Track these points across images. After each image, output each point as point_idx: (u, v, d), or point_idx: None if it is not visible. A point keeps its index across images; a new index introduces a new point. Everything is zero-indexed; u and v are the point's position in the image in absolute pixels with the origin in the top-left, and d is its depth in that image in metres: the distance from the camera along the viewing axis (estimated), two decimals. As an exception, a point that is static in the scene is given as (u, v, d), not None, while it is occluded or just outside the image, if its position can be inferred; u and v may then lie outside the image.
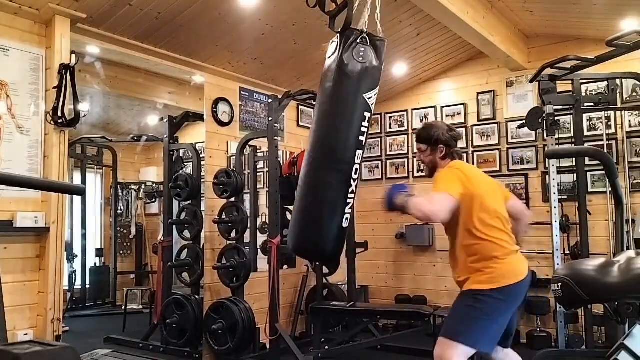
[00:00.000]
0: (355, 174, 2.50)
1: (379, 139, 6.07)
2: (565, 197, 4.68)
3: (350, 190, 2.50)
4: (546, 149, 4.83)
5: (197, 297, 4.48)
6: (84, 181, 6.42)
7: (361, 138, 2.50)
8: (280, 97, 4.40)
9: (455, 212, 2.41)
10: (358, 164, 2.51)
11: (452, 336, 2.34)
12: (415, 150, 5.80)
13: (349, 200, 2.51)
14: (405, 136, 5.91)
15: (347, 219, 2.50)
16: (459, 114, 5.59)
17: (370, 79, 2.48)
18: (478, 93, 5.45)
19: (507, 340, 2.54)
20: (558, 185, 4.38)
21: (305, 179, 2.55)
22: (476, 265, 2.41)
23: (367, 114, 2.50)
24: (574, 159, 4.54)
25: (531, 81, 4.62)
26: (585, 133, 4.74)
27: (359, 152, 2.50)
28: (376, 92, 2.52)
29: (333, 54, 2.50)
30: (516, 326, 2.63)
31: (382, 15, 2.60)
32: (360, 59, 2.45)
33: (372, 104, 2.51)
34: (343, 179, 2.48)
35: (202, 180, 4.65)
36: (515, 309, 2.47)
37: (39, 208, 3.32)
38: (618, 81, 4.61)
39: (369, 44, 2.48)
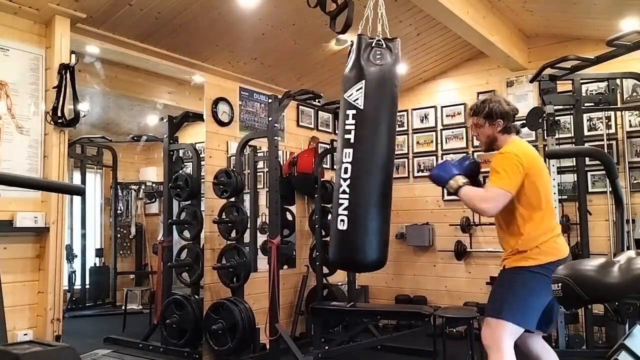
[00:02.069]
0: (345, 173, 2.54)
1: (379, 139, 6.05)
2: (566, 197, 4.67)
3: (341, 190, 2.56)
4: (546, 148, 4.82)
5: (197, 297, 4.47)
6: (83, 181, 6.41)
7: (346, 136, 2.58)
8: (280, 97, 4.40)
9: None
10: (347, 162, 2.56)
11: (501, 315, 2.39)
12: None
13: (341, 201, 2.56)
14: (406, 136, 5.91)
15: (342, 220, 2.53)
16: (459, 113, 5.59)
17: (345, 80, 2.67)
18: (478, 93, 5.43)
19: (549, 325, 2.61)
20: (558, 185, 4.38)
21: None
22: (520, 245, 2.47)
23: (350, 111, 2.61)
24: (574, 159, 4.54)
25: (531, 81, 4.62)
26: (586, 133, 4.75)
27: (347, 150, 2.56)
28: (359, 87, 2.60)
29: None
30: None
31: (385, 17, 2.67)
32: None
33: (354, 100, 2.59)
34: (337, 181, 2.64)
35: (202, 180, 4.64)
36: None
37: (38, 208, 3.31)
38: (618, 81, 4.61)
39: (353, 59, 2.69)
